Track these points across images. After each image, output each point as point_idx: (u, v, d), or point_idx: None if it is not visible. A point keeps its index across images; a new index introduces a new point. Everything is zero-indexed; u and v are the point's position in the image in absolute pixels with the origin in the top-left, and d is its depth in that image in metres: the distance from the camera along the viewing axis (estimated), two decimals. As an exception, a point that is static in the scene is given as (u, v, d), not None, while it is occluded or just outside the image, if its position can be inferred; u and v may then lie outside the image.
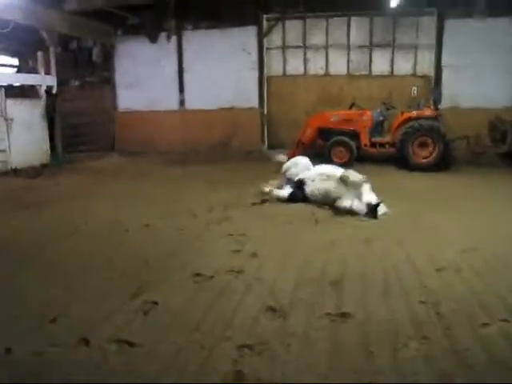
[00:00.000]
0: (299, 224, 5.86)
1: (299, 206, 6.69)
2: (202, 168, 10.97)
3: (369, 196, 6.26)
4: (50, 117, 11.96)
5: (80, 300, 3.60)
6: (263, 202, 6.87)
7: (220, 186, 8.32)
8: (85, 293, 3.75)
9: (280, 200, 6.88)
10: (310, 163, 7.30)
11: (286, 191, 6.93)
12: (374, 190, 6.60)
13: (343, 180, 6.40)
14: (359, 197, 6.26)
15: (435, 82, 12.60)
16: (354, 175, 6.47)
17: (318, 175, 6.74)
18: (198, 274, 4.10)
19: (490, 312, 3.37)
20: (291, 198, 6.85)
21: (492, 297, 3.65)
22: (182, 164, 11.65)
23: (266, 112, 13.81)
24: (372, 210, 6.01)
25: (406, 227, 5.72)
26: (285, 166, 7.40)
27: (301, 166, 7.14)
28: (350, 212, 6.12)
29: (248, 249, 4.81)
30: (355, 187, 6.30)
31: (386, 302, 3.57)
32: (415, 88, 12.07)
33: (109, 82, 14.75)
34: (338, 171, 6.66)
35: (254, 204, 6.83)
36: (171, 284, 3.95)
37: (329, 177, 6.60)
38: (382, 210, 6.12)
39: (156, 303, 3.53)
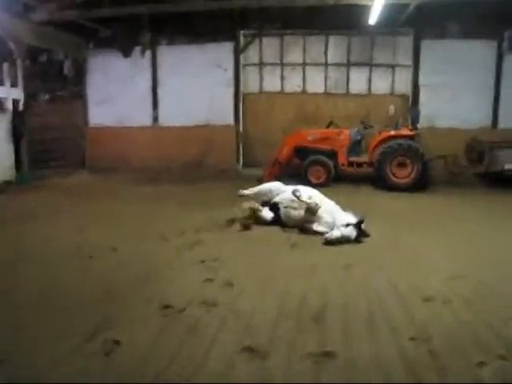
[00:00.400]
0: (276, 248, 5.54)
1: (275, 229, 6.40)
2: (175, 187, 10.61)
3: (345, 217, 6.00)
4: (17, 132, 11.40)
5: (30, 340, 3.17)
6: (245, 227, 6.39)
7: (193, 207, 7.96)
8: (36, 331, 3.31)
9: (261, 222, 6.52)
10: (282, 186, 6.92)
11: (269, 214, 6.57)
12: (351, 211, 6.39)
13: (311, 211, 6.14)
14: (334, 221, 6.02)
15: (412, 102, 12.63)
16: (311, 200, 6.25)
17: (289, 201, 6.42)
18: (166, 307, 3.72)
19: (485, 347, 3.10)
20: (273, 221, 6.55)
21: (485, 329, 3.38)
22: (154, 182, 11.27)
23: (241, 130, 13.61)
24: (359, 229, 5.77)
25: (387, 251, 5.46)
26: (257, 190, 7.01)
27: (274, 192, 6.79)
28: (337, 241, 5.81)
29: (222, 277, 4.44)
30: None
31: (373, 338, 3.26)
32: (393, 107, 11.98)
33: (80, 96, 14.30)
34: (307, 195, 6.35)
35: (229, 225, 6.47)
36: (137, 318, 3.55)
37: (300, 205, 6.28)
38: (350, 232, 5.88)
39: (118, 343, 3.13)
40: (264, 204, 6.73)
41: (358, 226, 5.76)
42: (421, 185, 10.22)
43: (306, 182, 10.18)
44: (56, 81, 14.34)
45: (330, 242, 5.62)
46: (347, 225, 5.75)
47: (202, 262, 4.95)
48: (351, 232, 5.72)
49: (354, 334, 3.32)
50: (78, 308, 3.72)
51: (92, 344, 3.10)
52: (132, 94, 13.71)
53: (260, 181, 10.65)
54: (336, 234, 5.71)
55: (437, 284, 4.34)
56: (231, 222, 6.54)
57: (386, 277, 4.51)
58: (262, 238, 5.98)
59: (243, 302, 3.86)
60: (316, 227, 6.09)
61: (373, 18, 10.88)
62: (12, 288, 4.18)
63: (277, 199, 6.63)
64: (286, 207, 6.46)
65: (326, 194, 9.25)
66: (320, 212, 6.12)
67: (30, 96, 13.76)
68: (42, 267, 4.76)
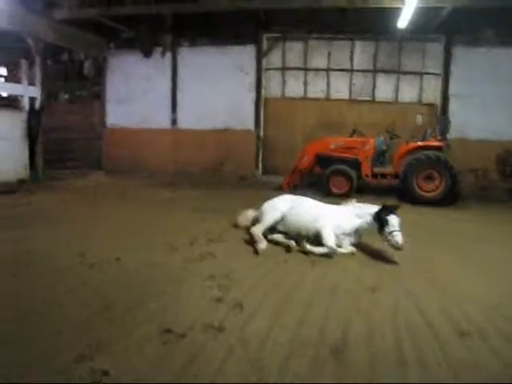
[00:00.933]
0: (294, 265, 5.07)
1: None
2: (191, 192, 10.26)
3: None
4: (33, 131, 11.18)
5: (3, 367, 2.78)
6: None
7: (207, 215, 7.56)
8: (19, 354, 2.92)
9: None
10: (289, 203, 6.02)
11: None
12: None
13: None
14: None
15: (441, 111, 12.09)
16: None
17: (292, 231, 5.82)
18: (167, 331, 3.30)
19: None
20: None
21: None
22: (171, 187, 10.93)
23: (261, 135, 13.22)
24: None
25: (414, 273, 4.95)
26: (261, 209, 6.15)
27: (278, 214, 5.86)
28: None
29: (232, 296, 4.01)
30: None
31: (401, 379, 2.79)
32: (420, 116, 11.58)
33: (99, 96, 14.10)
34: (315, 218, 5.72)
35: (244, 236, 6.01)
36: (132, 344, 3.13)
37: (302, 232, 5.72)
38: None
39: (107, 373, 2.72)
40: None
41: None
42: (449, 199, 9.65)
43: (327, 192, 9.84)
44: (76, 80, 14.23)
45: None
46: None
47: (212, 277, 4.52)
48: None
49: (381, 373, 2.86)
50: (68, 328, 3.33)
51: (76, 372, 2.70)
52: (151, 95, 13.50)
53: (280, 189, 10.45)
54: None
55: (472, 314, 3.84)
56: (246, 233, 6.12)
57: (415, 303, 4.02)
58: (279, 252, 5.53)
59: (253, 328, 3.42)
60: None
61: (402, 22, 10.38)
62: (1, 302, 3.82)
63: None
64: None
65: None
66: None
67: (49, 95, 13.76)
68: (38, 278, 4.36)
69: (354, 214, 5.63)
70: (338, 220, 5.59)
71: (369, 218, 5.48)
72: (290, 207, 5.91)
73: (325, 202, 6.25)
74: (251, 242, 5.70)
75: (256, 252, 5.40)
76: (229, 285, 4.32)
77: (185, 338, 3.23)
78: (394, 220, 5.24)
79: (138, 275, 4.53)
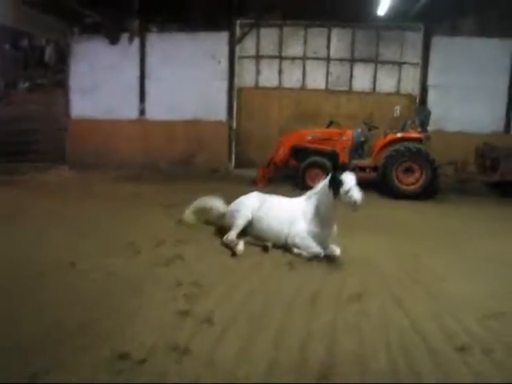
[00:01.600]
0: (270, 269, 4.60)
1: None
2: (160, 187, 9.67)
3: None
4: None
5: None
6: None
7: (176, 211, 7.01)
8: None
9: None
10: (257, 202, 5.51)
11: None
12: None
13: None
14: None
15: (420, 102, 11.81)
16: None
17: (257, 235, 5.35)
18: (123, 356, 2.77)
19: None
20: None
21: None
22: (138, 181, 10.30)
23: (234, 127, 12.69)
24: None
25: (401, 276, 4.57)
26: (231, 208, 5.66)
27: (247, 214, 5.37)
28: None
29: (200, 309, 3.51)
30: None
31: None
32: (398, 108, 11.25)
33: (62, 85, 13.28)
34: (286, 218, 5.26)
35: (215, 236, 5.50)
36: (75, 375, 2.59)
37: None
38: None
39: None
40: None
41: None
42: (429, 193, 9.39)
43: (303, 186, 9.45)
44: (37, 68, 13.37)
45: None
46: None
47: (178, 284, 4.01)
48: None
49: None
50: (4, 353, 2.77)
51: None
52: (118, 84, 12.74)
53: (254, 183, 10.08)
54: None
55: (471, 325, 3.46)
56: (218, 231, 5.64)
57: (407, 313, 3.60)
58: (254, 253, 5.04)
59: (225, 350, 2.94)
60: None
61: (382, 8, 9.98)
62: None
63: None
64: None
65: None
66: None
67: (8, 84, 12.90)
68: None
69: (306, 198, 5.20)
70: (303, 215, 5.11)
71: (321, 189, 4.98)
72: (258, 207, 5.43)
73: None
74: (226, 245, 5.21)
75: (234, 254, 4.91)
76: (197, 294, 3.82)
77: (143, 364, 2.72)
78: (348, 178, 4.63)
79: (94, 285, 3.97)
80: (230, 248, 5.04)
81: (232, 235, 5.20)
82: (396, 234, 6.21)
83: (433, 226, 7.07)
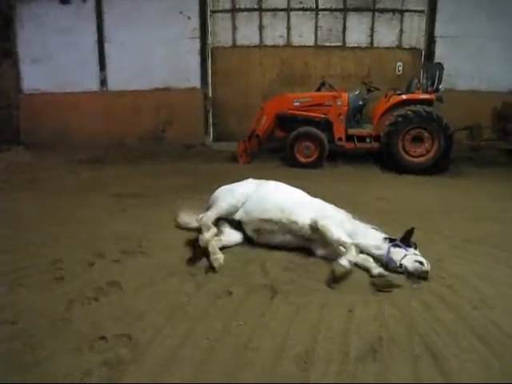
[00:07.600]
0: (242, 300, 3.14)
1: (246, 253, 4.00)
2: (120, 170, 8.19)
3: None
4: None
5: None
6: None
7: (132, 204, 5.62)
8: None
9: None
10: (250, 189, 4.34)
11: (234, 237, 4.19)
12: (349, 205, 4.32)
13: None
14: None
15: (426, 57, 10.48)
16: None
17: (259, 221, 4.06)
18: None
19: None
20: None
21: None
22: (97, 164, 8.85)
23: (210, 94, 11.27)
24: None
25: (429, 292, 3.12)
26: (213, 198, 4.47)
27: (237, 196, 4.24)
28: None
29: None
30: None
31: None
32: (401, 64, 10.05)
33: (10, 55, 11.55)
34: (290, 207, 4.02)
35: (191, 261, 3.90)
36: None
37: (277, 223, 3.98)
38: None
39: None
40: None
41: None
42: (442, 165, 8.09)
43: (292, 162, 8.42)
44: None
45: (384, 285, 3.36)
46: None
47: (99, 341, 2.57)
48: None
49: None
50: None
51: None
52: (74, 51, 11.13)
53: (236, 159, 8.97)
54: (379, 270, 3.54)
55: None
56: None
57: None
58: (226, 273, 3.54)
59: None
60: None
61: None
62: None
63: (238, 216, 4.22)
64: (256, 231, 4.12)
65: (316, 179, 7.14)
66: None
67: None
68: None
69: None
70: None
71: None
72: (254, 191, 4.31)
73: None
74: (195, 252, 3.82)
75: (212, 268, 3.62)
76: (122, 363, 2.32)
77: None
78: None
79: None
80: (207, 258, 3.71)
81: (208, 217, 3.98)
82: (409, 223, 4.37)
83: (452, 209, 5.57)
